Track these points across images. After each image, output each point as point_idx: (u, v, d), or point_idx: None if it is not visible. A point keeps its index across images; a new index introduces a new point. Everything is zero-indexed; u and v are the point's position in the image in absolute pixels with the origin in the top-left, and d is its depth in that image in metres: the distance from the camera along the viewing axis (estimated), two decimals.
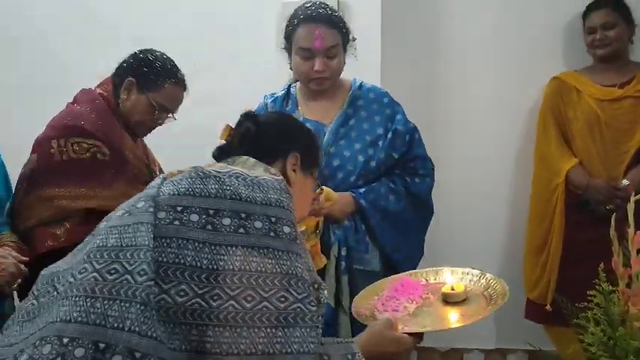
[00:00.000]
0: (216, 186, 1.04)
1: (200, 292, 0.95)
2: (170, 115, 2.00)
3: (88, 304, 0.93)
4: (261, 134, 1.28)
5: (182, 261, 0.97)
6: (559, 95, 2.56)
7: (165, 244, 0.98)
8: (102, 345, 0.90)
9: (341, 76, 2.01)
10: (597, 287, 1.62)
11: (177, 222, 1.00)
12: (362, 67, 2.04)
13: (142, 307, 0.92)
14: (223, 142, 1.32)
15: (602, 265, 1.66)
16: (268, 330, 0.95)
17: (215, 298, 0.94)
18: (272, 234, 1.02)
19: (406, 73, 2.69)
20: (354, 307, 1.44)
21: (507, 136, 2.79)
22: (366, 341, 1.15)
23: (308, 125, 1.93)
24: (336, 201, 1.88)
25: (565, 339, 2.39)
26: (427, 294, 1.45)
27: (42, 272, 1.08)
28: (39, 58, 2.82)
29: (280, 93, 2.07)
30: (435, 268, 1.56)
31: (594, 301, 1.62)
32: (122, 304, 0.92)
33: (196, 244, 0.98)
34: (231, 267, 0.97)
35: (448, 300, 1.42)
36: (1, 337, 1.02)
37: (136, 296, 0.93)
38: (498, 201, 2.83)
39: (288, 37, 1.94)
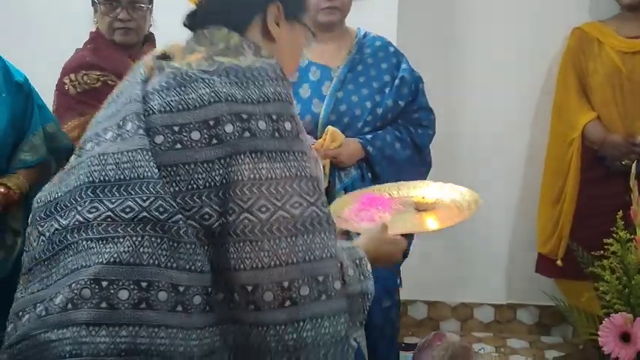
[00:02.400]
0: (208, 90, 0.95)
1: (221, 210, 0.92)
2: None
3: (118, 245, 0.89)
4: None
5: (195, 185, 0.93)
6: (580, 47, 2.50)
7: (173, 173, 0.93)
8: (144, 284, 0.88)
9: (346, 24, 2.00)
10: (614, 235, 1.61)
11: (179, 145, 0.93)
12: (378, 18, 2.03)
13: (174, 244, 0.91)
14: (193, 6, 1.16)
15: (620, 213, 1.65)
16: (289, 239, 0.92)
17: (230, 212, 0.91)
18: (276, 134, 0.95)
19: (425, 25, 2.64)
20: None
21: (527, 88, 2.74)
22: (365, 245, 1.14)
23: (314, 68, 1.95)
24: (343, 142, 1.87)
25: (576, 293, 2.39)
26: (397, 205, 1.43)
27: (35, 202, 1.02)
28: None
29: None
30: (394, 184, 1.56)
31: (611, 250, 1.61)
32: (152, 239, 0.90)
33: (205, 165, 0.93)
34: (240, 177, 0.92)
35: (420, 209, 1.40)
36: (23, 287, 0.97)
37: (165, 232, 0.90)
38: (514, 154, 2.79)
39: None
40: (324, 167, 1.83)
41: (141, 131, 0.94)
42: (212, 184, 0.93)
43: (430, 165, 2.12)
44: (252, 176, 0.92)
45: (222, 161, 0.93)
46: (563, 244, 2.50)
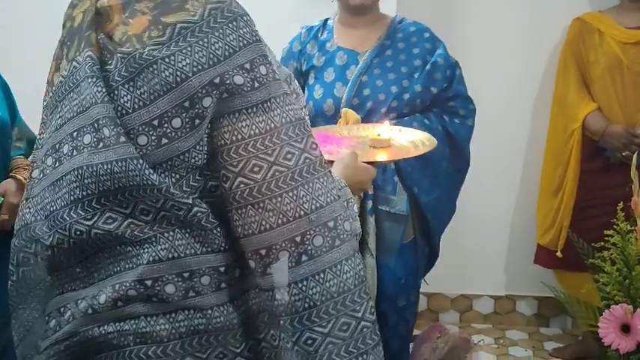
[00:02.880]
0: (171, 70, 0.87)
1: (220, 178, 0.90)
2: None
3: (155, 244, 0.89)
4: None
5: (194, 166, 0.90)
6: (580, 37, 2.48)
7: (170, 166, 0.89)
8: (186, 274, 0.89)
9: (383, 11, 1.93)
10: (615, 227, 1.61)
11: (165, 140, 0.88)
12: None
13: (202, 232, 0.90)
14: None
15: (620, 204, 1.64)
16: (290, 193, 0.88)
17: (225, 180, 0.88)
18: (255, 84, 0.89)
19: (423, 15, 2.61)
20: None
21: (527, 79, 2.72)
22: (342, 174, 1.12)
23: (341, 53, 1.87)
24: (358, 122, 1.75)
25: (576, 284, 2.39)
26: (353, 142, 1.43)
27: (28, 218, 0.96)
28: None
29: (317, 23, 1.99)
30: (344, 126, 1.56)
31: (611, 241, 1.61)
32: (183, 231, 0.89)
33: (198, 147, 0.89)
34: (223, 142, 0.88)
35: (376, 145, 1.39)
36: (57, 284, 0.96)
37: (190, 224, 0.89)
38: (514, 145, 2.79)
39: None
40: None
41: (122, 138, 0.88)
42: (207, 157, 0.90)
43: (468, 164, 1.96)
44: (234, 138, 0.88)
45: (207, 135, 0.90)
46: (563, 236, 2.49)
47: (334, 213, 0.91)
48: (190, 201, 0.89)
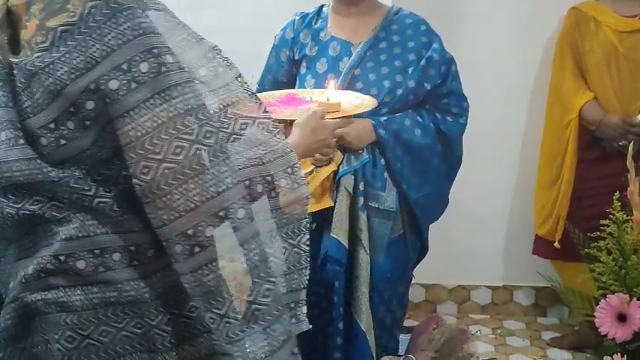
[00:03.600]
0: (51, 80, 0.89)
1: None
2: None
3: (69, 223, 0.96)
4: None
5: (100, 158, 0.94)
6: (576, 26, 2.47)
7: (75, 162, 0.93)
8: (97, 251, 0.95)
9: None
10: (611, 217, 1.61)
11: (63, 140, 0.92)
12: None
13: (109, 216, 0.95)
14: None
15: (617, 194, 1.64)
16: (180, 189, 0.90)
17: (147, 170, 0.90)
18: (133, 84, 0.88)
19: (419, 4, 2.59)
20: None
21: (523, 68, 2.71)
22: (299, 137, 1.15)
23: (334, 44, 1.86)
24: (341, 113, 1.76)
25: (573, 274, 2.39)
26: (305, 107, 1.51)
27: None
28: None
29: (312, 11, 1.96)
30: (319, 90, 1.62)
31: (607, 231, 1.61)
32: (94, 213, 0.95)
33: (93, 145, 0.92)
34: (119, 144, 0.90)
35: (329, 110, 1.47)
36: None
37: (99, 211, 0.95)
38: (511, 136, 2.78)
39: None
40: (333, 156, 1.77)
41: (21, 141, 0.93)
42: (112, 151, 0.93)
43: (459, 161, 1.95)
44: (124, 142, 0.90)
45: (102, 139, 0.92)
46: (561, 226, 2.49)
47: (225, 202, 0.93)
48: (92, 192, 0.94)
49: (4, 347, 0.99)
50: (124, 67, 0.88)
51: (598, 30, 2.43)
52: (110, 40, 0.88)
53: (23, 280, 0.96)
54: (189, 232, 0.91)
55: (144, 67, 0.88)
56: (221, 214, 0.92)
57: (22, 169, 0.93)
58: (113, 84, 0.88)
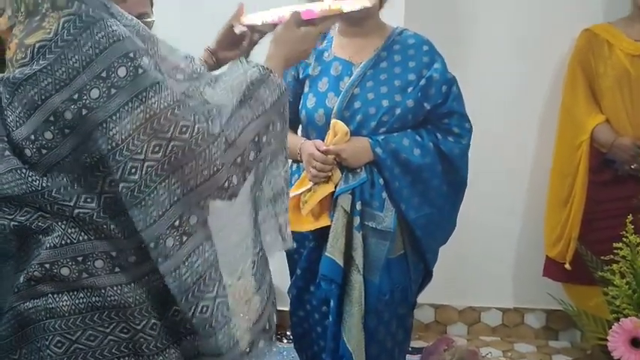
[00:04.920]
0: (36, 90, 0.94)
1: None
2: None
3: (52, 233, 1.01)
4: None
5: (82, 166, 0.98)
6: (589, 49, 2.48)
7: (61, 170, 0.98)
8: (80, 258, 1.00)
9: (383, 18, 1.90)
10: (624, 240, 1.60)
11: (44, 150, 0.97)
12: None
13: (90, 224, 1.00)
14: None
15: (630, 217, 1.64)
16: (163, 184, 0.96)
17: (115, 184, 0.96)
18: (112, 91, 0.93)
19: (428, 24, 2.61)
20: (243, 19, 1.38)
21: (534, 89, 2.71)
22: (273, 50, 1.18)
23: (337, 63, 1.86)
24: (347, 134, 1.76)
25: (584, 297, 2.38)
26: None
27: None
28: None
29: None
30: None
31: (620, 254, 1.60)
32: (76, 221, 1.00)
33: (75, 151, 0.96)
34: (104, 150, 0.95)
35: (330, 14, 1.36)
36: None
37: (80, 219, 0.99)
38: (521, 157, 2.77)
39: None
40: (332, 175, 1.77)
41: (7, 152, 0.99)
42: (96, 157, 0.97)
43: (464, 183, 1.90)
44: (109, 147, 0.94)
45: (84, 146, 0.96)
46: (572, 248, 2.48)
47: (205, 192, 1.00)
48: (72, 202, 0.98)
49: None
50: (104, 74, 0.93)
51: (611, 53, 2.43)
52: (88, 49, 0.93)
53: (16, 290, 1.02)
54: (176, 222, 0.97)
55: (121, 71, 0.93)
56: (202, 203, 0.99)
57: (9, 180, 0.99)
58: (94, 93, 0.93)
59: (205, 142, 0.98)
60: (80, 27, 0.94)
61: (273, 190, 1.17)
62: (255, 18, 1.36)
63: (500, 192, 2.76)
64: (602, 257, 1.71)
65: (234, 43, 1.37)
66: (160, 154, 0.95)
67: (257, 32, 1.37)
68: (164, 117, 0.95)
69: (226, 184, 1.01)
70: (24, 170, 0.98)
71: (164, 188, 0.95)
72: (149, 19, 1.89)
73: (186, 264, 0.98)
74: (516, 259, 2.86)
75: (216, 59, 1.38)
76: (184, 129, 0.97)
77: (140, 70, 0.94)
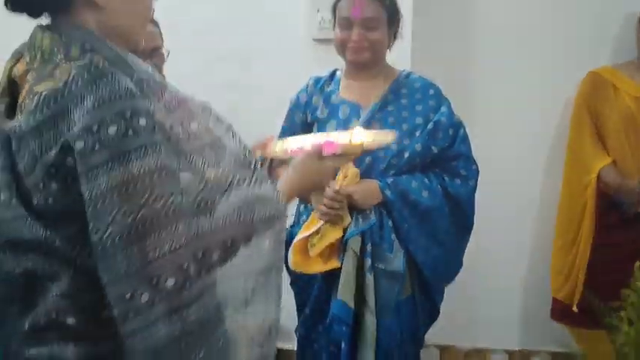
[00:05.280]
0: (38, 142, 0.93)
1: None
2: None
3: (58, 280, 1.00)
4: None
5: (80, 213, 0.94)
6: (595, 91, 2.49)
7: (66, 220, 0.96)
8: (86, 307, 0.98)
9: (392, 62, 1.94)
10: (632, 286, 1.58)
11: (50, 199, 0.95)
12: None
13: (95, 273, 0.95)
14: None
15: (638, 263, 1.62)
16: (126, 251, 0.90)
17: (96, 230, 0.91)
18: (97, 146, 0.90)
19: (436, 67, 2.64)
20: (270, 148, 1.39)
21: (539, 130, 2.71)
22: (291, 178, 1.16)
23: (344, 106, 1.89)
24: (357, 176, 1.78)
25: (591, 341, 2.34)
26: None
27: None
28: None
29: (325, 75, 2.01)
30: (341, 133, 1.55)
31: (628, 301, 1.58)
32: (79, 269, 0.98)
33: (78, 202, 0.92)
34: (96, 193, 0.90)
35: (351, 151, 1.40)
36: None
37: (84, 268, 0.97)
38: (527, 198, 2.76)
39: (334, 9, 1.90)
40: (342, 219, 1.77)
41: (14, 201, 0.98)
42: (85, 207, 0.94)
43: (471, 223, 1.93)
44: (108, 187, 0.90)
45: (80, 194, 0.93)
46: (579, 290, 2.45)
47: (160, 270, 0.91)
48: (76, 254, 0.96)
49: None
50: (94, 128, 0.90)
51: (617, 96, 2.45)
52: (88, 103, 0.91)
53: (21, 335, 1.00)
54: (127, 296, 0.90)
55: (112, 129, 0.90)
56: (154, 281, 0.91)
57: (16, 228, 0.98)
58: (79, 144, 0.90)
59: (176, 216, 0.93)
60: (88, 80, 0.93)
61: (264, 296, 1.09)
62: (281, 149, 1.39)
63: (507, 233, 2.74)
64: (609, 303, 1.69)
65: None
66: (130, 219, 0.90)
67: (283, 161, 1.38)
68: (141, 182, 0.91)
69: (178, 270, 0.93)
70: (29, 219, 0.98)
71: (124, 256, 0.90)
72: (163, 51, 1.94)
73: (132, 340, 0.92)
74: (523, 301, 2.83)
75: None
76: (159, 198, 0.92)
77: (130, 132, 0.91)
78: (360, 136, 1.45)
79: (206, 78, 2.65)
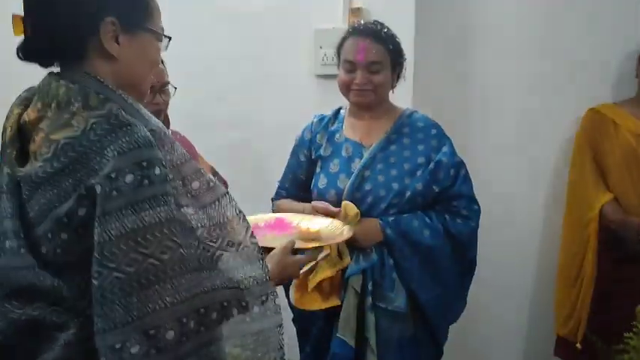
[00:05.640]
0: (56, 191, 0.94)
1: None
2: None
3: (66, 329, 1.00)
4: (50, 8, 1.02)
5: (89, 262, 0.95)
6: (596, 127, 2.50)
7: (73, 269, 0.97)
8: (94, 356, 0.94)
9: (393, 101, 1.96)
10: (634, 329, 1.57)
11: (59, 250, 0.97)
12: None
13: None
14: (22, 37, 1.07)
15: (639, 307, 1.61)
16: (125, 300, 0.91)
17: (97, 275, 0.91)
18: (114, 193, 0.92)
19: (439, 102, 2.66)
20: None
21: (540, 166, 2.72)
22: (272, 270, 1.22)
23: (347, 145, 1.92)
24: (357, 216, 1.79)
25: None
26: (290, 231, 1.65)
27: None
28: None
29: (329, 113, 2.03)
30: (310, 216, 1.75)
31: (630, 344, 1.57)
32: (87, 318, 0.97)
33: (87, 252, 0.93)
34: (106, 238, 0.91)
35: (305, 238, 1.58)
36: None
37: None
38: (529, 234, 2.76)
39: (338, 51, 1.92)
40: (337, 247, 1.79)
41: (22, 250, 0.98)
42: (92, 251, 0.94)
43: (473, 264, 1.93)
44: (119, 233, 0.91)
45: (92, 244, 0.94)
46: (582, 327, 2.44)
47: (157, 321, 0.92)
48: (85, 303, 0.95)
49: None
50: (112, 175, 0.92)
51: (617, 132, 2.46)
52: (108, 152, 0.93)
53: None
54: (117, 346, 0.90)
55: (129, 178, 0.93)
56: (151, 332, 0.91)
57: (23, 276, 0.98)
58: (98, 189, 0.92)
59: (181, 270, 0.95)
60: (107, 129, 0.94)
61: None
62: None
63: (510, 269, 2.73)
64: (610, 345, 1.68)
65: None
66: (133, 268, 0.91)
67: None
68: (150, 233, 0.93)
69: (177, 324, 0.94)
70: (37, 269, 0.98)
71: (122, 305, 0.91)
72: (169, 88, 1.97)
73: None
74: (526, 338, 2.80)
75: None
76: (167, 250, 0.94)
77: (146, 181, 0.94)
78: (316, 225, 1.60)
79: (210, 113, 2.69)
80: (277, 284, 1.30)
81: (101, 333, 0.91)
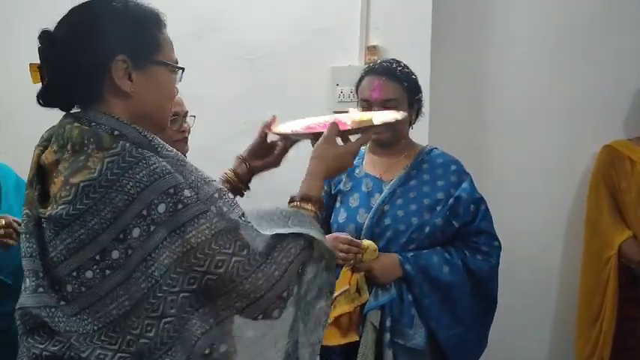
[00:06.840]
0: (83, 230, 0.96)
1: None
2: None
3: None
4: (62, 56, 1.05)
5: (110, 316, 0.99)
6: (611, 164, 2.51)
7: (91, 314, 0.98)
8: None
9: (413, 139, 1.97)
10: None
11: (83, 288, 0.99)
12: None
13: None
14: (40, 85, 1.09)
15: None
16: (200, 311, 1.01)
17: (191, 282, 0.99)
18: (152, 227, 0.96)
19: (456, 137, 2.66)
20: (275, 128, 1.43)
21: (557, 202, 2.71)
22: (315, 166, 1.20)
23: (367, 180, 1.88)
24: (375, 251, 1.78)
25: None
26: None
27: None
28: None
29: None
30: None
31: None
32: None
33: (111, 294, 0.97)
34: (149, 284, 0.97)
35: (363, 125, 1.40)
36: None
37: None
38: (548, 271, 2.73)
39: (356, 91, 1.95)
40: (357, 282, 1.78)
41: (40, 289, 1.00)
42: (128, 309, 0.97)
43: (494, 302, 1.89)
44: (149, 285, 0.96)
45: (124, 286, 0.96)
46: None
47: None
48: (86, 355, 0.96)
49: None
50: (144, 212, 0.96)
51: (633, 169, 2.46)
52: (130, 189, 0.96)
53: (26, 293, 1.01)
54: (206, 351, 1.01)
55: (161, 208, 0.96)
56: (233, 331, 1.03)
57: (40, 315, 1.00)
58: (135, 232, 0.95)
59: (245, 272, 1.01)
60: (123, 167, 0.97)
61: (313, 322, 1.14)
62: (285, 127, 1.43)
63: (529, 308, 2.69)
64: None
65: (265, 152, 1.44)
66: (195, 285, 0.98)
67: (288, 141, 1.43)
68: (200, 251, 0.98)
69: (260, 315, 1.03)
70: (53, 310, 0.99)
71: (197, 317, 0.98)
72: (188, 118, 2.00)
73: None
74: None
75: (248, 167, 1.43)
76: (220, 263, 0.99)
77: (180, 206, 0.97)
78: (368, 114, 1.47)
79: (230, 148, 2.69)
80: (328, 176, 1.24)
81: (190, 349, 0.99)
